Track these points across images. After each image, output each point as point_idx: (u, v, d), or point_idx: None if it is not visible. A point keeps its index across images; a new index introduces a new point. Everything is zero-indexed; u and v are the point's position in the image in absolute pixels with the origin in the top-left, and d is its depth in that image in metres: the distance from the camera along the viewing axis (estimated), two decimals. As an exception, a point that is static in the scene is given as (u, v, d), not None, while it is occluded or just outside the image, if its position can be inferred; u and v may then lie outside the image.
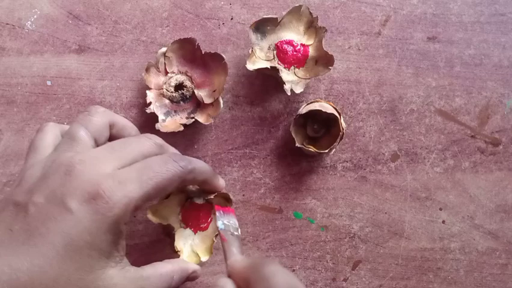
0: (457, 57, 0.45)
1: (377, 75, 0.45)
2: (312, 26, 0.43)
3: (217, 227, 0.34)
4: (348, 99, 0.45)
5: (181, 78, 0.42)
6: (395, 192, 0.45)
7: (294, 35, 0.44)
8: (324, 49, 0.42)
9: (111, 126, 0.33)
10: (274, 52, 0.43)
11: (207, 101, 0.42)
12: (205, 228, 0.40)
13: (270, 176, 0.45)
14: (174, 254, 0.39)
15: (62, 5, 0.45)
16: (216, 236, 0.39)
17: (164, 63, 0.42)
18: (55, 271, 0.26)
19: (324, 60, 0.42)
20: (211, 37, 0.45)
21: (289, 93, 0.41)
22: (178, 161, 0.31)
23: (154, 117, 0.42)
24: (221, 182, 0.37)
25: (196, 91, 0.42)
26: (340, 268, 0.45)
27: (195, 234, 0.40)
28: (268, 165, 0.45)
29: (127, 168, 0.29)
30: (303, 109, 0.41)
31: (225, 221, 0.35)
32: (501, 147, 0.45)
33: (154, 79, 0.42)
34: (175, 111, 0.42)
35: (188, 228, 0.40)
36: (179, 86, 0.42)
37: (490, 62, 0.45)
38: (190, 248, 0.39)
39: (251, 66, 0.42)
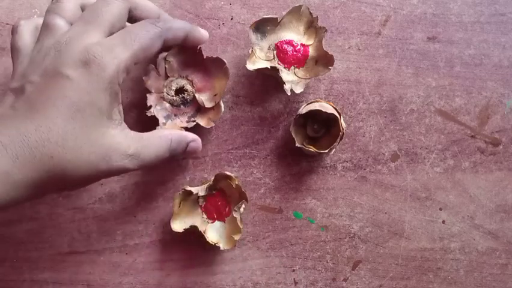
0: (457, 57, 0.45)
1: (377, 75, 0.45)
2: (312, 26, 0.43)
3: None
4: (348, 99, 0.45)
5: (181, 82, 0.42)
6: (395, 192, 0.45)
7: (294, 35, 0.44)
8: (324, 49, 0.42)
9: (83, 7, 0.35)
10: (274, 52, 0.43)
11: (208, 105, 0.42)
12: (228, 214, 0.43)
13: (270, 176, 0.45)
14: (211, 250, 0.43)
15: (62, 5, 0.45)
16: (239, 207, 0.42)
17: (165, 67, 0.42)
18: (61, 129, 0.28)
19: (324, 60, 0.42)
20: (211, 37, 0.45)
21: (289, 93, 0.41)
22: (155, 22, 0.33)
23: (155, 120, 0.42)
24: (203, 33, 0.38)
25: (196, 95, 0.42)
26: (340, 268, 0.45)
27: (224, 223, 0.43)
28: (268, 165, 0.45)
29: (111, 37, 0.31)
30: (303, 109, 0.41)
31: None
32: (501, 147, 0.45)
33: (155, 83, 0.42)
34: (176, 115, 0.42)
35: (217, 221, 0.43)
36: (179, 90, 0.42)
37: (490, 62, 0.45)
38: (225, 235, 0.43)
39: (251, 66, 0.41)
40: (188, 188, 0.42)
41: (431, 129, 0.45)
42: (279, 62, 0.43)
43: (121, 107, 0.32)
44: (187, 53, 0.42)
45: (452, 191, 0.45)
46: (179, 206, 0.42)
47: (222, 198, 0.43)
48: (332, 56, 0.41)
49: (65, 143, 0.28)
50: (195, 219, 0.43)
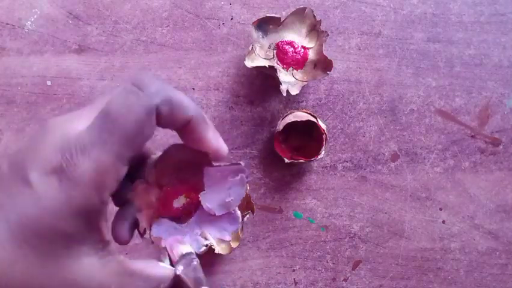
0: (457, 57, 0.45)
1: (377, 75, 0.45)
2: (315, 30, 0.43)
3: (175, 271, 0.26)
4: (348, 99, 0.45)
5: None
6: (395, 192, 0.45)
7: (296, 36, 0.43)
8: (324, 53, 0.42)
9: None
10: (274, 51, 0.43)
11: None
12: None
13: (270, 176, 0.45)
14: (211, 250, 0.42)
15: (62, 5, 0.45)
16: (244, 215, 0.40)
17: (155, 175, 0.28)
18: (10, 255, 0.21)
19: (323, 64, 0.42)
20: (211, 37, 0.45)
21: (284, 94, 0.41)
22: (143, 88, 0.21)
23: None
24: (218, 140, 0.24)
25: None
26: (340, 268, 0.45)
27: None
28: (268, 165, 0.45)
29: (88, 126, 0.21)
30: (280, 125, 0.41)
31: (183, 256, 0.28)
32: (501, 147, 0.45)
33: (144, 197, 0.29)
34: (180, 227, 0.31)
35: None
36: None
37: (490, 62, 0.45)
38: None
39: (249, 63, 0.41)
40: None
41: (431, 129, 0.45)
42: (278, 62, 0.43)
43: (104, 225, 0.23)
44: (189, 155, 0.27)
45: (452, 191, 0.45)
46: None
47: None
48: (331, 61, 0.41)
49: (13, 273, 0.21)
50: None
